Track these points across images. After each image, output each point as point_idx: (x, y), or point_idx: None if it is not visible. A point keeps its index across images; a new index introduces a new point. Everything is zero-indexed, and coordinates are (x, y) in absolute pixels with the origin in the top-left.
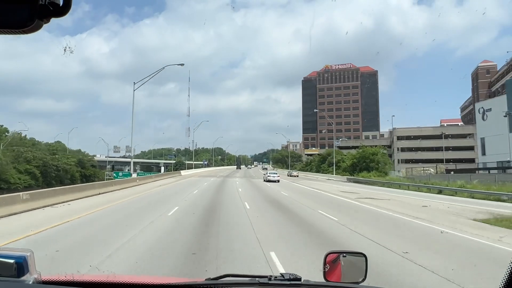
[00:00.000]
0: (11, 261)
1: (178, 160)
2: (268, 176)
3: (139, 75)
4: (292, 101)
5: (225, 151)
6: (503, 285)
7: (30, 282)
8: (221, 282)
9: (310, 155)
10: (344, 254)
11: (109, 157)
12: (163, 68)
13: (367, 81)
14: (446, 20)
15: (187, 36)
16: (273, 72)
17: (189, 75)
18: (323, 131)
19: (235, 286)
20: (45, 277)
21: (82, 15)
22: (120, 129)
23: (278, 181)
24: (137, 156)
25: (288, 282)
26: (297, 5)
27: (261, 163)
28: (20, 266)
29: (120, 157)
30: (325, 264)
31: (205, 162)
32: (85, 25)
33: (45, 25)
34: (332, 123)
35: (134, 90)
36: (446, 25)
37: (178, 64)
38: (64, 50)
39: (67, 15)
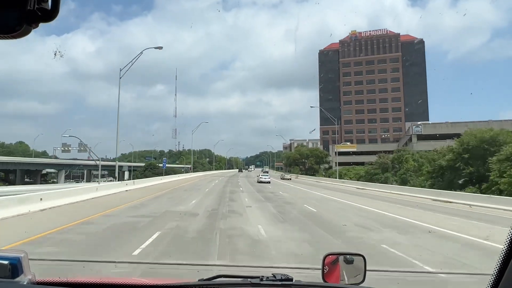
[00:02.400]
0: (5, 262)
1: (149, 164)
2: (260, 177)
3: (126, 76)
4: (283, 103)
5: (213, 153)
6: (495, 274)
7: (25, 283)
8: (214, 282)
9: (344, 153)
10: (343, 255)
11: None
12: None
13: (410, 53)
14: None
15: (176, 36)
16: (264, 74)
17: (176, 73)
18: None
19: (227, 286)
20: (40, 278)
21: (67, 13)
22: (107, 132)
23: (269, 182)
24: (118, 159)
25: (280, 283)
26: (289, 6)
27: (253, 166)
28: (15, 267)
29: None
30: (323, 265)
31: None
32: (70, 24)
33: (33, 30)
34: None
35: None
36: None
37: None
38: (55, 54)
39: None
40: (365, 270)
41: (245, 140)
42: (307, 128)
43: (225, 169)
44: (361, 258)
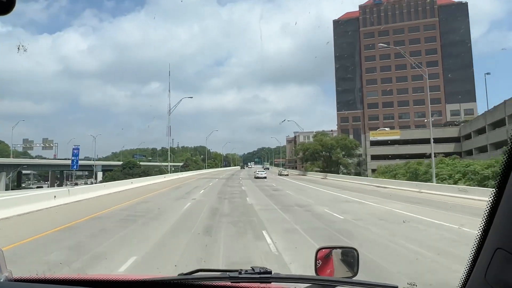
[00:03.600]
0: None
1: (127, 162)
2: (256, 173)
3: (120, 74)
4: (280, 99)
5: (209, 150)
6: (467, 267)
7: (1, 280)
8: (193, 277)
9: (382, 142)
10: (336, 249)
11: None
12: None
13: (449, 19)
14: None
15: (170, 32)
16: (260, 69)
17: (169, 68)
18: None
19: (206, 280)
20: (17, 275)
21: (58, 10)
22: (102, 130)
23: (265, 177)
24: (105, 159)
25: (258, 276)
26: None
27: (252, 163)
28: None
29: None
30: (316, 259)
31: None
32: (61, 21)
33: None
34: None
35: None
36: None
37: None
38: (18, 48)
39: (39, 11)
40: (358, 263)
41: (242, 137)
42: (305, 124)
43: (221, 166)
44: (354, 251)
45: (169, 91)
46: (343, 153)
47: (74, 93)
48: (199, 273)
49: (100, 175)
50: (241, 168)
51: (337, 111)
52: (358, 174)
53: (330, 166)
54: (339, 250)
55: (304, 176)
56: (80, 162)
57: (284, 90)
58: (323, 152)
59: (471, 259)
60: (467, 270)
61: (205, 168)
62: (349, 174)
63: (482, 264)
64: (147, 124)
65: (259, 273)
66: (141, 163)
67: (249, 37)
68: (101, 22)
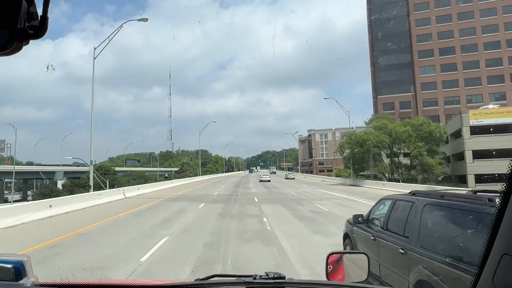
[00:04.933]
0: (9, 266)
1: (99, 166)
2: (261, 177)
3: (121, 79)
4: (283, 103)
5: (211, 153)
6: (476, 272)
7: (28, 285)
8: (209, 282)
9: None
10: (346, 254)
11: None
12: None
13: None
14: None
15: (172, 35)
16: (263, 72)
17: (169, 71)
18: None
19: (222, 285)
20: (42, 281)
21: (59, 15)
22: (104, 136)
23: (269, 180)
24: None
25: (272, 281)
26: (287, 2)
27: (258, 167)
28: (18, 271)
29: None
30: (327, 264)
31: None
32: (63, 26)
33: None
34: None
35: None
36: None
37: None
38: (47, 68)
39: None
40: (369, 268)
41: (245, 141)
42: (309, 127)
43: (223, 171)
44: (364, 256)
45: (170, 94)
46: (424, 148)
47: (76, 99)
48: (215, 278)
49: (59, 184)
50: (249, 172)
51: (376, 95)
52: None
53: (395, 170)
54: (350, 255)
55: (366, 190)
56: (33, 168)
57: (287, 93)
58: (391, 147)
59: (479, 264)
60: (475, 275)
61: (200, 175)
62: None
63: (490, 269)
64: (150, 129)
65: (273, 278)
66: (131, 168)
67: (250, 40)
68: (102, 26)
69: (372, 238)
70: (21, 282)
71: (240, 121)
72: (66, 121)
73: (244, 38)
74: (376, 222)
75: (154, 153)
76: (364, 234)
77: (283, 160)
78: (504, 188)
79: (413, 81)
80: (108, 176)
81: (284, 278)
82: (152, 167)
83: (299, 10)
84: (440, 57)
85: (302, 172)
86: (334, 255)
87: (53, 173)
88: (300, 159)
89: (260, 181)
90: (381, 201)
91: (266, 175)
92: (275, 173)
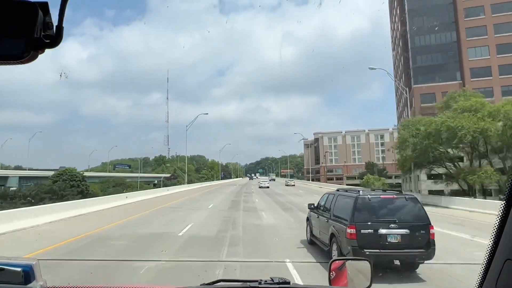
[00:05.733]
0: (19, 269)
1: (64, 170)
2: (260, 183)
3: (120, 84)
4: (282, 109)
5: (208, 159)
6: (480, 277)
7: None
8: (214, 287)
9: None
10: (349, 261)
11: None
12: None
13: None
14: None
15: (171, 41)
16: (262, 79)
17: (167, 75)
18: None
19: None
20: (51, 285)
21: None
22: (102, 141)
23: (268, 187)
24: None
25: (277, 286)
26: (288, 9)
27: (257, 174)
28: (27, 274)
29: None
30: (330, 271)
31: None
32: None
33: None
34: None
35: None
36: None
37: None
38: (60, 76)
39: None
40: (372, 275)
41: (244, 147)
42: (306, 135)
43: (219, 178)
44: (367, 262)
45: (167, 98)
46: None
47: (74, 103)
48: (221, 283)
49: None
50: (250, 179)
51: (412, 83)
52: None
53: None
54: (352, 262)
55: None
56: None
57: (286, 101)
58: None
59: (483, 269)
60: (479, 280)
61: (187, 183)
62: None
63: (493, 274)
64: (149, 135)
65: (278, 283)
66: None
67: (250, 46)
68: (101, 31)
69: (317, 216)
70: (30, 285)
71: (239, 127)
72: (64, 126)
73: (244, 44)
74: (319, 207)
75: (148, 158)
76: (314, 215)
77: (282, 167)
78: (506, 195)
79: (459, 67)
80: (74, 183)
81: (289, 283)
82: (143, 172)
83: (300, 17)
84: (496, 36)
85: (308, 180)
86: (336, 261)
87: (5, 178)
88: (306, 165)
89: (260, 187)
90: (323, 195)
91: (265, 181)
92: (274, 180)
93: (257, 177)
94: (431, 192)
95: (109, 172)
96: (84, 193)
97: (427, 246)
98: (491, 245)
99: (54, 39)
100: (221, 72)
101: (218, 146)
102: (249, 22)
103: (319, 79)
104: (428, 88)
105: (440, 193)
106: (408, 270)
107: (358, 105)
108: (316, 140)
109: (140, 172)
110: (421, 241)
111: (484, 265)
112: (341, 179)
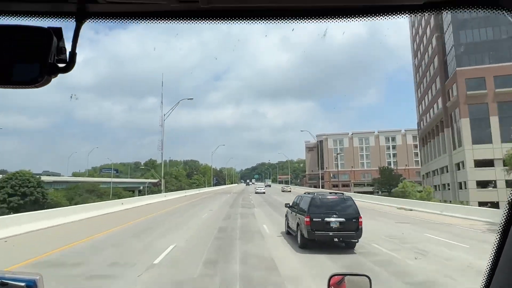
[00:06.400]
0: (22, 284)
1: (14, 174)
2: (256, 189)
3: (115, 88)
4: (279, 114)
5: (202, 164)
6: (487, 272)
7: None
8: None
9: None
10: (348, 276)
11: None
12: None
13: None
14: None
15: (169, 44)
16: (258, 84)
17: (162, 78)
18: None
19: None
20: None
21: None
22: (96, 145)
23: (264, 192)
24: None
25: None
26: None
27: (253, 180)
28: None
29: None
30: (329, 286)
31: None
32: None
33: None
34: None
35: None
36: None
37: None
38: (71, 97)
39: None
40: None
41: (240, 153)
42: (302, 140)
43: (211, 185)
44: (366, 278)
45: (162, 102)
46: None
47: (69, 107)
48: None
49: None
50: (246, 185)
51: (456, 66)
52: None
53: None
54: (351, 277)
55: None
56: None
57: (282, 106)
58: None
59: (489, 272)
60: (485, 281)
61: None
62: None
63: (500, 276)
64: (143, 140)
65: None
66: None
67: (247, 51)
68: (97, 34)
69: (291, 212)
70: None
71: (234, 132)
72: (56, 130)
73: (240, 49)
74: (293, 205)
75: (140, 163)
76: (290, 211)
77: (279, 173)
78: (509, 200)
79: None
80: (27, 189)
81: None
82: (134, 178)
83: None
84: None
85: (311, 186)
86: (335, 276)
87: None
88: (308, 171)
89: (256, 192)
90: (296, 196)
91: (261, 187)
92: (270, 186)
93: (253, 183)
94: None
95: (96, 177)
96: (40, 203)
97: (357, 230)
98: (496, 248)
99: (68, 64)
100: (217, 76)
101: (215, 151)
102: (246, 27)
103: (314, 84)
104: (475, 72)
105: None
106: (348, 247)
107: (354, 110)
108: (320, 142)
109: (129, 177)
110: (353, 226)
111: (489, 268)
112: (347, 185)
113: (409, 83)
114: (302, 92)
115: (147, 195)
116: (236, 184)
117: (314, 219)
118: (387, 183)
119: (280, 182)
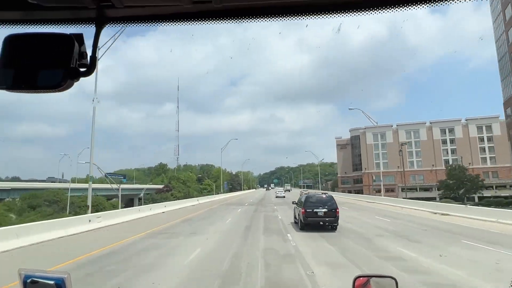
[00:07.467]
0: (51, 282)
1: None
2: (277, 193)
3: (133, 95)
4: (296, 119)
5: (215, 167)
6: None
7: None
8: None
9: None
10: (373, 278)
11: None
12: None
13: None
14: None
15: (184, 50)
16: (276, 88)
17: (178, 83)
18: None
19: None
20: None
21: None
22: (115, 153)
23: (284, 196)
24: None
25: None
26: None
27: (272, 185)
28: (59, 287)
29: None
30: None
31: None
32: None
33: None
34: None
35: None
36: None
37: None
38: (93, 100)
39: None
40: None
41: (257, 158)
42: (320, 145)
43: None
44: (393, 280)
45: (178, 107)
46: None
47: (89, 115)
48: None
49: None
50: (266, 190)
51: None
52: None
53: None
54: (377, 279)
55: None
56: None
57: (300, 110)
58: None
59: None
60: None
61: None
62: None
63: None
64: (161, 146)
65: None
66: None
67: (264, 55)
68: (115, 42)
69: (296, 208)
70: None
71: (252, 137)
72: (78, 137)
73: (257, 53)
74: (298, 202)
75: (152, 167)
76: (296, 207)
77: (300, 177)
78: None
79: None
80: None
81: None
82: (143, 184)
83: (313, 24)
84: None
85: (343, 192)
86: (360, 278)
87: None
88: (341, 173)
89: (276, 197)
90: (300, 196)
91: (281, 192)
92: (289, 190)
93: (272, 188)
94: None
95: (95, 184)
96: None
97: (335, 217)
98: None
99: (89, 67)
100: (234, 82)
101: (229, 156)
102: (262, 31)
103: (333, 87)
104: None
105: None
106: (332, 229)
107: (374, 114)
108: (356, 138)
109: (140, 183)
110: (332, 215)
111: None
112: (393, 190)
113: (430, 81)
114: (321, 95)
115: (143, 205)
116: (254, 190)
117: (307, 210)
118: (458, 187)
119: (301, 187)
